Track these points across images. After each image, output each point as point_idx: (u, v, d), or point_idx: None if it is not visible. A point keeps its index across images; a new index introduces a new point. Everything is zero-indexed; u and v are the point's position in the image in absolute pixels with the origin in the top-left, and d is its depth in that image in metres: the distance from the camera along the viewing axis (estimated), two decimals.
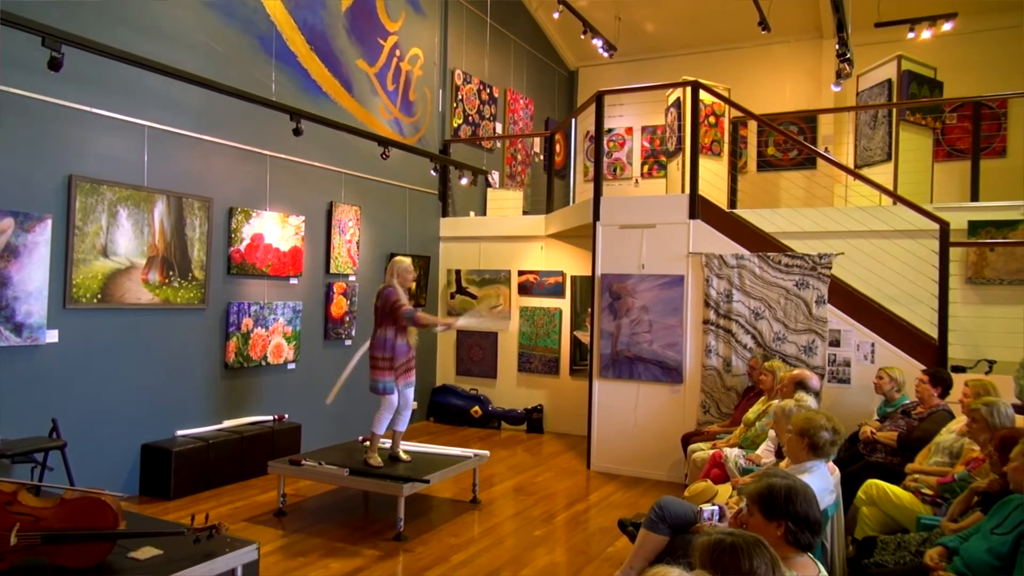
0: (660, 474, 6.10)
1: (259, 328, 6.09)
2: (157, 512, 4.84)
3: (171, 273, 5.37)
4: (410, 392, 5.05)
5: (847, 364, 5.55)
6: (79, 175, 4.78)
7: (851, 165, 7.67)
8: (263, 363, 6.16)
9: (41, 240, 4.55)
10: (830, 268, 5.63)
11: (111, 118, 4.99)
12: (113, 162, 5.01)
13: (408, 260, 5.00)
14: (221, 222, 5.81)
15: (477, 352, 8.41)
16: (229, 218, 5.86)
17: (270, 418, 6.16)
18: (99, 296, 4.90)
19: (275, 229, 6.24)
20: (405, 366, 4.92)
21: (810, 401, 4.29)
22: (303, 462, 4.85)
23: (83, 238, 4.80)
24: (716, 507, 3.24)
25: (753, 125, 9.10)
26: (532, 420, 8.01)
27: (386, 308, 4.81)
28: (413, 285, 5.03)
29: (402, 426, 5.11)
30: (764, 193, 8.42)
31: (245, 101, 5.66)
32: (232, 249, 5.87)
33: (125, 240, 5.05)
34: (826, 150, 8.73)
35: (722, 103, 7.80)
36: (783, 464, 3.55)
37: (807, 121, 9.40)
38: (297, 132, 5.89)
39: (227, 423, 5.85)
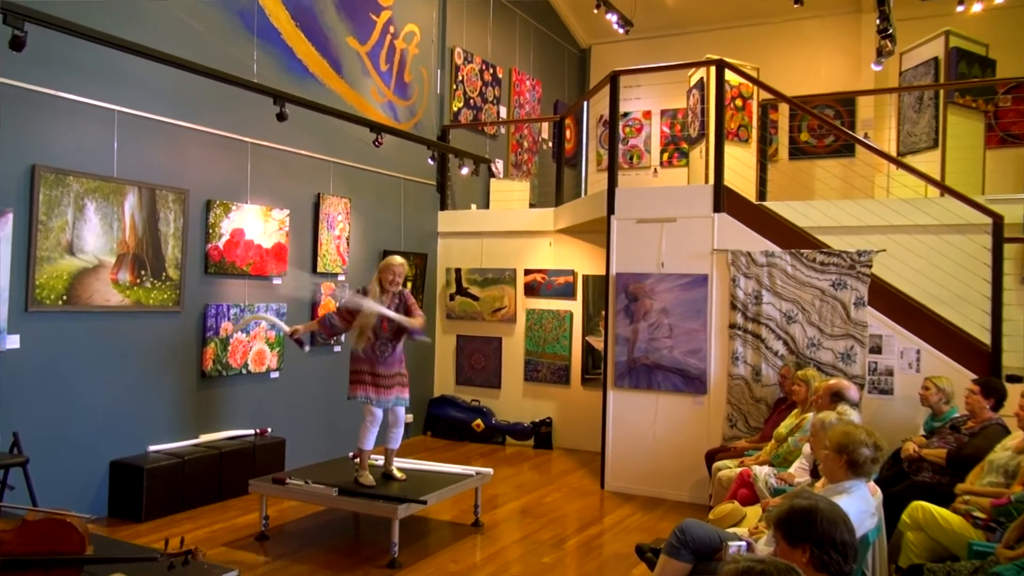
0: (682, 495, 6.08)
1: (239, 333, 6.10)
2: (128, 535, 4.85)
3: (143, 272, 5.39)
4: (401, 410, 5.03)
5: (889, 373, 5.52)
6: (43, 165, 4.80)
7: (893, 152, 7.64)
8: (243, 371, 6.17)
9: (1, 236, 4.57)
10: (870, 267, 5.61)
11: (78, 102, 5.01)
12: (80, 151, 5.03)
13: (398, 259, 5.00)
14: (198, 216, 5.82)
15: (479, 359, 8.41)
16: (206, 212, 5.87)
17: (251, 432, 6.17)
18: (64, 298, 4.92)
19: (257, 224, 6.25)
20: (387, 380, 4.88)
21: (853, 415, 4.28)
22: (288, 481, 4.86)
23: (47, 234, 4.82)
24: (744, 542, 3.23)
25: (784, 108, 9.07)
26: (540, 435, 8.00)
27: None
28: (400, 285, 4.98)
29: (395, 444, 5.11)
30: (797, 184, 8.39)
31: (224, 83, 5.67)
32: (210, 246, 5.88)
33: (93, 236, 5.07)
34: (865, 136, 8.70)
35: (750, 84, 7.78)
36: (819, 485, 3.54)
37: (844, 104, 9.37)
38: (281, 117, 5.90)
39: (204, 438, 5.87)
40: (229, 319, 5.99)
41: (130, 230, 5.29)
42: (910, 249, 5.87)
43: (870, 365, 5.57)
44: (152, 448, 5.51)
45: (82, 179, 4.99)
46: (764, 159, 8.12)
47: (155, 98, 5.50)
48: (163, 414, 5.63)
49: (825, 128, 8.96)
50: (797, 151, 9.28)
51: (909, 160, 7.08)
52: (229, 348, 6.01)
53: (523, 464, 7.31)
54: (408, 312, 4.93)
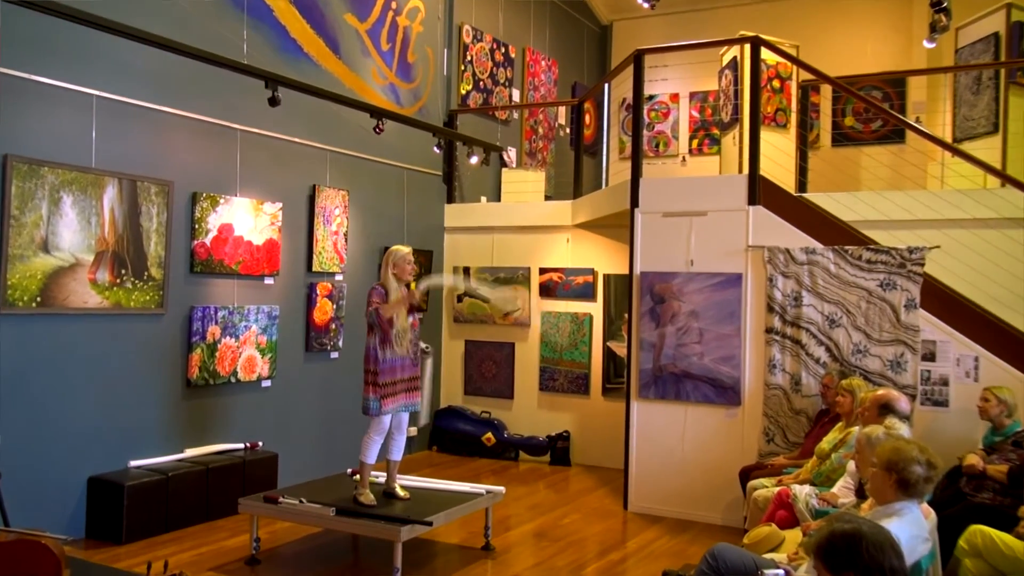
0: (713, 516, 6.06)
1: (228, 338, 6.14)
2: (107, 558, 4.88)
3: (123, 272, 5.42)
4: (405, 416, 5.07)
5: (944, 383, 5.48)
6: (15, 155, 4.84)
7: (948, 138, 7.57)
8: (232, 380, 6.20)
9: None
10: (923, 264, 5.57)
11: (52, 86, 5.05)
12: (55, 139, 5.07)
13: (406, 248, 5.07)
14: (183, 210, 5.86)
15: (489, 367, 8.41)
16: (192, 205, 5.91)
17: (241, 446, 6.20)
18: (38, 299, 4.96)
19: (247, 219, 6.29)
20: (404, 385, 4.95)
21: (903, 429, 4.25)
22: (280, 499, 4.87)
23: (20, 230, 4.86)
24: (782, 570, 3.21)
25: (827, 90, 9.02)
26: (557, 450, 8.00)
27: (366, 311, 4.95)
28: (412, 280, 5.10)
29: (398, 454, 5.12)
30: (841, 173, 8.33)
31: (211, 65, 5.70)
32: (196, 243, 5.92)
33: (69, 232, 5.11)
34: (917, 120, 8.63)
35: (789, 64, 7.74)
36: (866, 506, 3.52)
37: (894, 85, 9.30)
38: (273, 102, 5.92)
39: (190, 452, 5.90)
40: (217, 322, 6.03)
41: (109, 225, 5.33)
42: (967, 245, 5.81)
43: (922, 374, 5.53)
44: (133, 463, 5.54)
45: (58, 170, 5.03)
46: (804, 146, 8.07)
47: (136, 82, 5.54)
48: (145, 426, 5.67)
49: (872, 112, 8.90)
50: (841, 137, 9.22)
51: (966, 147, 7.01)
52: (217, 354, 6.05)
53: (538, 482, 7.30)
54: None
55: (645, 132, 10.51)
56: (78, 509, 5.29)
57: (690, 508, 6.14)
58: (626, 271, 6.62)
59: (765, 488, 5.02)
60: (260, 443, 6.31)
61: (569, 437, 8.02)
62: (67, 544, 4.59)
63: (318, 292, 6.95)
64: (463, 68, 9.03)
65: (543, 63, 10.61)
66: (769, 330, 5.94)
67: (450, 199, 8.75)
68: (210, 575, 4.71)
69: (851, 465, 4.44)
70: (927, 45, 8.34)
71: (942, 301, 5.57)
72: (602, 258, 8.01)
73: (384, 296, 4.92)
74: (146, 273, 5.57)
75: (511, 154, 9.67)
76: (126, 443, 5.54)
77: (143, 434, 5.65)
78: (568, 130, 11.03)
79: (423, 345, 5.33)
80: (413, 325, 5.03)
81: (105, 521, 5.24)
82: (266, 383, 6.52)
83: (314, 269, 6.94)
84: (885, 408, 4.55)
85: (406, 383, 4.99)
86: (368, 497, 4.90)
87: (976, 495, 4.45)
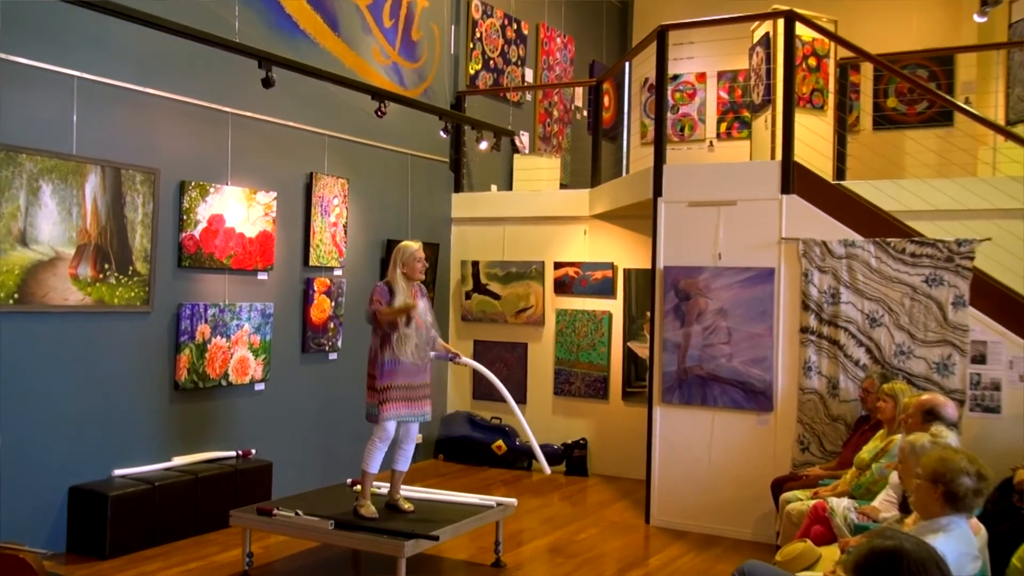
0: (743, 531, 6.05)
1: (219, 337, 6.17)
2: (89, 575, 4.91)
3: (107, 266, 5.45)
4: (414, 426, 5.08)
5: (996, 387, 5.45)
6: None
7: (1001, 121, 7.51)
8: (224, 383, 6.23)
9: None
10: (972, 258, 5.53)
11: (30, 67, 5.07)
12: (33, 124, 5.09)
13: (416, 244, 5.08)
14: (170, 200, 5.88)
15: (500, 369, 8.40)
16: (180, 195, 5.93)
17: (233, 454, 6.23)
18: (15, 296, 5.00)
19: (239, 209, 6.31)
20: (404, 392, 4.94)
21: (951, 437, 4.23)
22: (275, 512, 4.89)
23: None
24: None
25: (868, 69, 8.97)
26: (573, 459, 8.00)
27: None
28: (423, 275, 5.12)
29: (404, 465, 5.14)
30: (882, 159, 8.28)
31: (200, 43, 5.71)
32: (184, 235, 5.94)
33: (49, 224, 5.14)
34: (966, 101, 8.56)
35: (826, 40, 7.70)
36: (909, 521, 3.50)
37: (941, 63, 9.23)
38: (267, 83, 5.93)
39: (178, 460, 5.93)
40: (206, 321, 6.05)
41: (92, 217, 5.36)
42: (1021, 237, 5.77)
43: (972, 377, 5.50)
44: (117, 472, 5.57)
45: (36, 157, 5.06)
46: (843, 130, 8.02)
47: (120, 62, 5.57)
48: (130, 432, 5.70)
49: (917, 92, 8.84)
50: (883, 120, 9.17)
51: (1020, 130, 6.96)
52: (207, 355, 6.07)
53: (553, 494, 7.31)
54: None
55: (669, 115, 10.48)
56: (58, 521, 5.32)
57: (718, 522, 6.13)
58: (648, 265, 6.60)
59: (799, 501, 5.00)
60: (253, 451, 6.34)
61: (586, 445, 8.02)
62: (47, 559, 4.63)
63: (315, 288, 6.97)
64: (472, 46, 9.02)
65: (559, 40, 10.59)
66: (804, 330, 5.91)
67: (458, 188, 8.75)
68: None
69: (893, 476, 4.42)
70: (977, 19, 8.27)
71: (993, 298, 5.54)
72: (622, 251, 7.99)
73: (388, 296, 4.91)
74: (131, 268, 5.60)
75: (524, 139, 9.67)
76: (110, 450, 5.57)
77: (128, 441, 5.69)
78: (585, 113, 11.00)
79: (454, 353, 5.34)
80: (419, 327, 5.00)
81: (87, 534, 5.27)
82: (260, 386, 6.55)
83: (311, 263, 6.96)
84: (931, 414, 4.53)
85: (407, 390, 4.95)
86: (370, 509, 4.90)
87: None
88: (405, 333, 4.90)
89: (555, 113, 10.46)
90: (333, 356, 7.21)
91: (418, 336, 4.97)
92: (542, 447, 8.05)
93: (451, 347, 5.47)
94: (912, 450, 3.66)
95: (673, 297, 6.28)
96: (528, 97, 9.96)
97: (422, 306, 5.03)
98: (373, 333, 4.99)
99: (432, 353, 5.15)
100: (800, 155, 6.18)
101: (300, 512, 4.86)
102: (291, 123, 6.81)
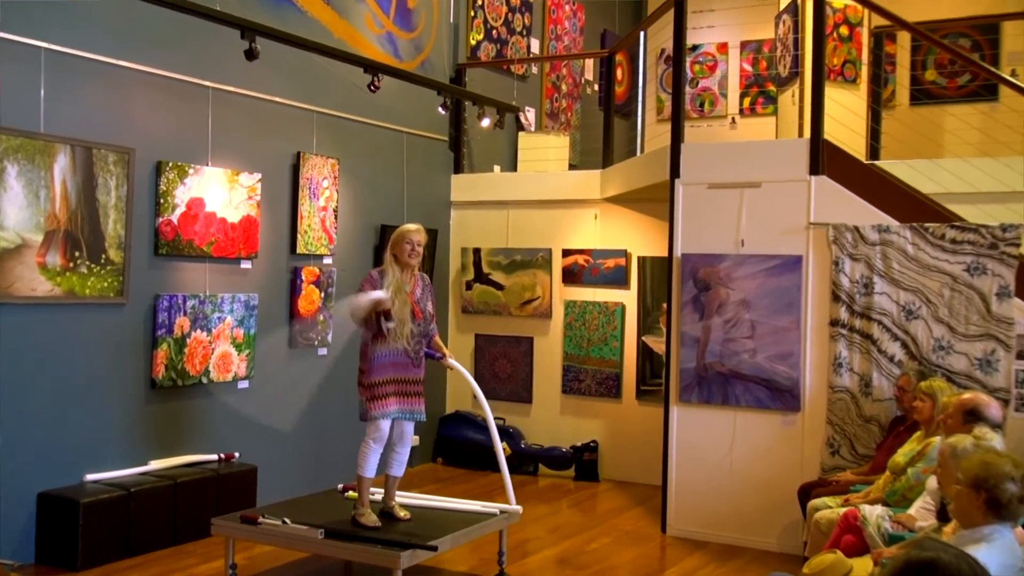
0: (767, 541, 6.06)
1: (199, 331, 6.18)
2: None
3: (77, 254, 5.46)
4: (409, 426, 5.09)
5: None
6: None
7: None
8: (204, 380, 6.24)
9: None
10: (1018, 245, 5.52)
11: None
12: None
13: (413, 226, 5.10)
14: (145, 182, 5.88)
15: (503, 366, 8.42)
16: (157, 177, 5.93)
17: (214, 458, 6.25)
18: None
19: (221, 192, 6.31)
20: (396, 387, 4.95)
21: (994, 439, 4.22)
22: (260, 519, 4.90)
23: None
24: None
25: (904, 39, 8.93)
26: (583, 463, 8.01)
27: None
28: (420, 257, 5.07)
29: (399, 470, 5.14)
30: (920, 137, 8.26)
31: (178, 11, 5.69)
32: (161, 220, 5.95)
33: (15, 209, 5.14)
34: (1013, 74, 8.53)
35: (859, 7, 7.67)
36: (949, 530, 3.50)
37: (985, 32, 9.19)
38: (251, 55, 5.92)
39: (155, 464, 5.95)
40: (186, 313, 6.06)
41: (61, 200, 5.36)
42: None
43: (1017, 375, 5.48)
44: (90, 477, 5.59)
45: (0, 135, 5.06)
46: (877, 105, 8.00)
47: (91, 32, 5.55)
48: (103, 434, 5.71)
49: (959, 64, 8.80)
50: (921, 94, 9.13)
51: None
52: (186, 350, 6.08)
53: (561, 500, 7.32)
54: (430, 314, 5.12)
55: (688, 89, 10.45)
56: (26, 530, 5.34)
57: (740, 532, 6.13)
58: (665, 253, 6.60)
59: (829, 509, 5.01)
60: (236, 454, 6.36)
61: (597, 448, 8.02)
62: (14, 570, 4.65)
63: (303, 278, 6.97)
64: (473, 14, 9.00)
65: (567, 8, 10.56)
66: (834, 323, 5.91)
67: (458, 169, 8.74)
68: None
69: (931, 482, 4.42)
70: None
71: None
72: (636, 238, 7.99)
73: (376, 285, 4.92)
74: (104, 256, 5.60)
75: (529, 115, 9.65)
76: (81, 454, 5.59)
77: (101, 443, 5.70)
78: (597, 87, 10.98)
79: (442, 353, 5.32)
80: (417, 317, 5.01)
81: (58, 544, 5.29)
82: (243, 384, 6.56)
83: (299, 251, 6.96)
84: (972, 415, 4.52)
85: (399, 384, 4.97)
86: (370, 517, 4.91)
87: None
88: (399, 320, 4.90)
89: (563, 87, 10.44)
90: (323, 351, 7.22)
91: (415, 325, 4.98)
92: (549, 449, 8.12)
93: (444, 346, 5.40)
94: (952, 453, 3.65)
95: (692, 287, 6.27)
96: (534, 70, 9.94)
97: (418, 294, 5.04)
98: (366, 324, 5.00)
99: (425, 349, 5.14)
100: (830, 132, 6.16)
101: (287, 520, 4.87)
102: (277, 98, 6.80)
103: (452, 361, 5.39)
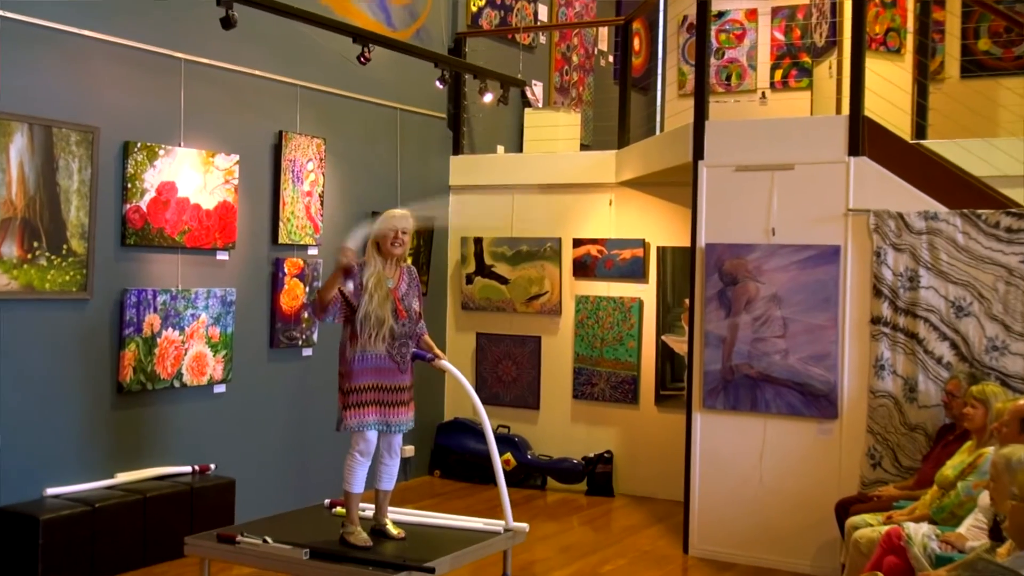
0: (801, 563, 6.07)
1: (170, 330, 6.18)
2: None
3: (36, 244, 5.46)
4: (397, 437, 5.09)
5: None
6: None
7: None
8: (176, 384, 6.25)
9: None
10: None
11: None
12: None
13: (400, 211, 5.07)
14: (111, 165, 5.88)
15: (508, 368, 8.42)
16: (124, 159, 5.94)
17: (188, 470, 6.26)
18: None
19: (194, 176, 6.31)
20: (375, 395, 4.94)
21: None
22: (239, 538, 4.91)
23: None
24: None
25: (955, 4, 8.90)
26: (596, 475, 8.02)
27: None
28: (406, 246, 5.03)
29: (389, 483, 5.15)
30: (972, 114, 8.24)
31: None
32: (128, 207, 5.95)
33: None
34: None
35: None
36: (1003, 551, 3.50)
37: None
38: (227, 23, 5.92)
39: (122, 477, 5.96)
40: (156, 310, 6.07)
41: (18, 185, 5.36)
42: None
43: None
44: (50, 492, 5.59)
45: None
46: (924, 78, 7.98)
47: None
48: (65, 444, 5.72)
49: (1016, 32, 8.77)
50: (973, 66, 9.11)
51: None
52: (156, 351, 6.09)
53: (571, 517, 7.33)
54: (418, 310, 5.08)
55: (713, 61, 10.43)
56: None
57: (770, 552, 6.14)
58: (687, 243, 6.60)
59: (870, 527, 5.00)
60: (212, 466, 6.37)
61: (612, 459, 8.04)
62: None
63: (286, 271, 6.98)
64: None
65: None
66: (876, 320, 5.91)
67: (457, 149, 8.75)
68: None
69: (983, 497, 4.42)
70: None
71: None
72: (655, 226, 7.99)
73: (353, 275, 4.90)
74: (65, 246, 5.61)
75: (536, 90, 9.64)
76: (41, 466, 5.59)
77: (62, 454, 5.71)
78: (611, 59, 10.96)
79: (434, 354, 5.26)
80: (401, 316, 4.96)
81: (15, 563, 5.29)
82: (219, 388, 6.57)
83: (281, 241, 6.97)
84: None
85: (378, 392, 4.94)
86: (360, 536, 4.91)
87: None
88: (378, 319, 4.84)
89: (575, 59, 10.43)
90: (307, 352, 7.22)
91: (399, 325, 4.95)
92: (558, 461, 8.12)
93: (435, 347, 5.32)
94: (1007, 465, 3.64)
95: (717, 281, 6.27)
96: (542, 40, 9.93)
97: (403, 290, 5.00)
98: (345, 323, 4.98)
99: (413, 350, 5.12)
100: (871, 109, 6.15)
101: (269, 539, 4.88)
102: (256, 72, 6.80)
103: (444, 363, 5.31)
